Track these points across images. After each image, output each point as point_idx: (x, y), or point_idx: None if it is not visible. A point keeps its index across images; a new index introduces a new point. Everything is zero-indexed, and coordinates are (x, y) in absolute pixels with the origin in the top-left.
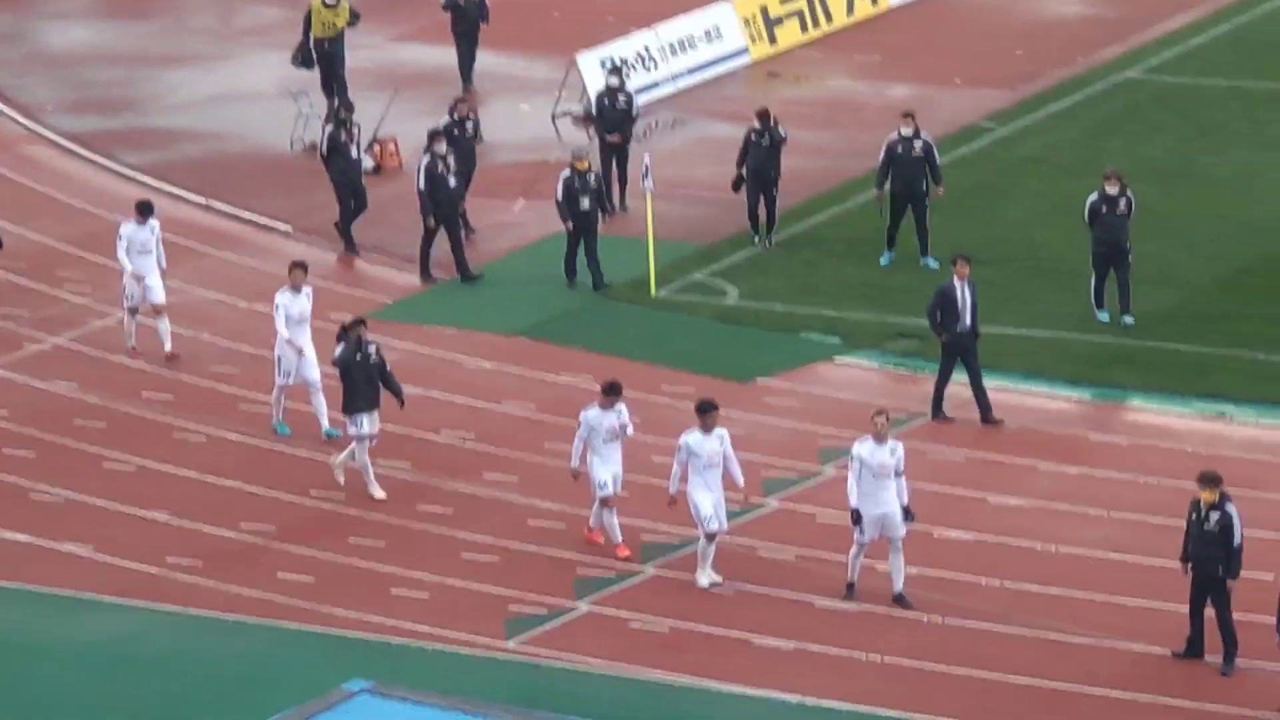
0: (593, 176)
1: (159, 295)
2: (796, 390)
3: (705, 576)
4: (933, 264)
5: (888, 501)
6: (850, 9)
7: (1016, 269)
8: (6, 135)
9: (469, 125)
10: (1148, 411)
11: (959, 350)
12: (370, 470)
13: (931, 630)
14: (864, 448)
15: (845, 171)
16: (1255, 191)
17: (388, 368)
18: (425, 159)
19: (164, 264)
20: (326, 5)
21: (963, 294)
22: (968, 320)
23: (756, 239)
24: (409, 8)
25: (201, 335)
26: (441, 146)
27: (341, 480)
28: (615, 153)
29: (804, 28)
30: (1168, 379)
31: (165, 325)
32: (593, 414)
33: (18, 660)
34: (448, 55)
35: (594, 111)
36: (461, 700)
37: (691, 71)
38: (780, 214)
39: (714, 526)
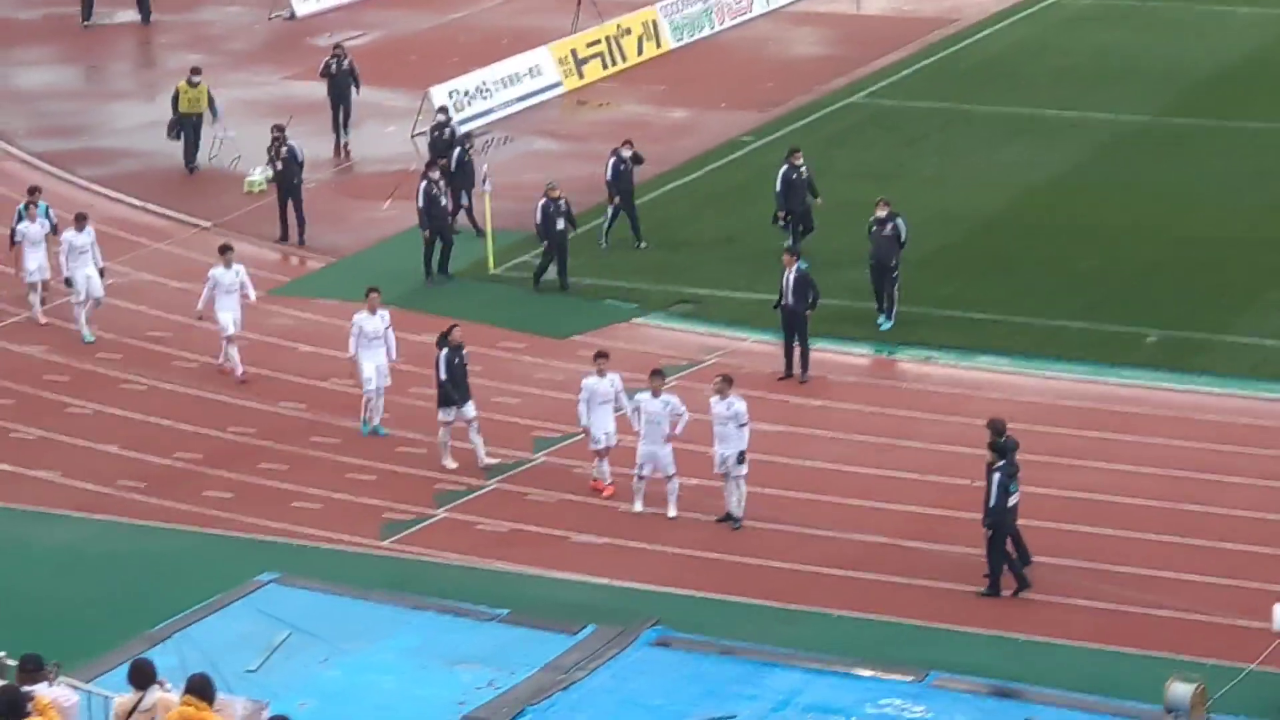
0: (563, 201)
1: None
2: (600, 344)
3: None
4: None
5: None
6: (640, 50)
7: (770, 248)
8: None
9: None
10: (872, 357)
11: (786, 320)
12: (447, 446)
13: (707, 526)
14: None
15: (637, 176)
16: (948, 188)
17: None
18: (423, 183)
19: (249, 294)
20: (190, 84)
21: (785, 278)
22: (790, 298)
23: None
24: (295, 52)
25: (141, 308)
26: (435, 173)
27: (452, 465)
28: (445, 174)
29: (605, 65)
30: (888, 330)
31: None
32: (591, 380)
33: (2, 559)
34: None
35: (427, 141)
36: (348, 587)
37: (518, 100)
38: (581, 213)
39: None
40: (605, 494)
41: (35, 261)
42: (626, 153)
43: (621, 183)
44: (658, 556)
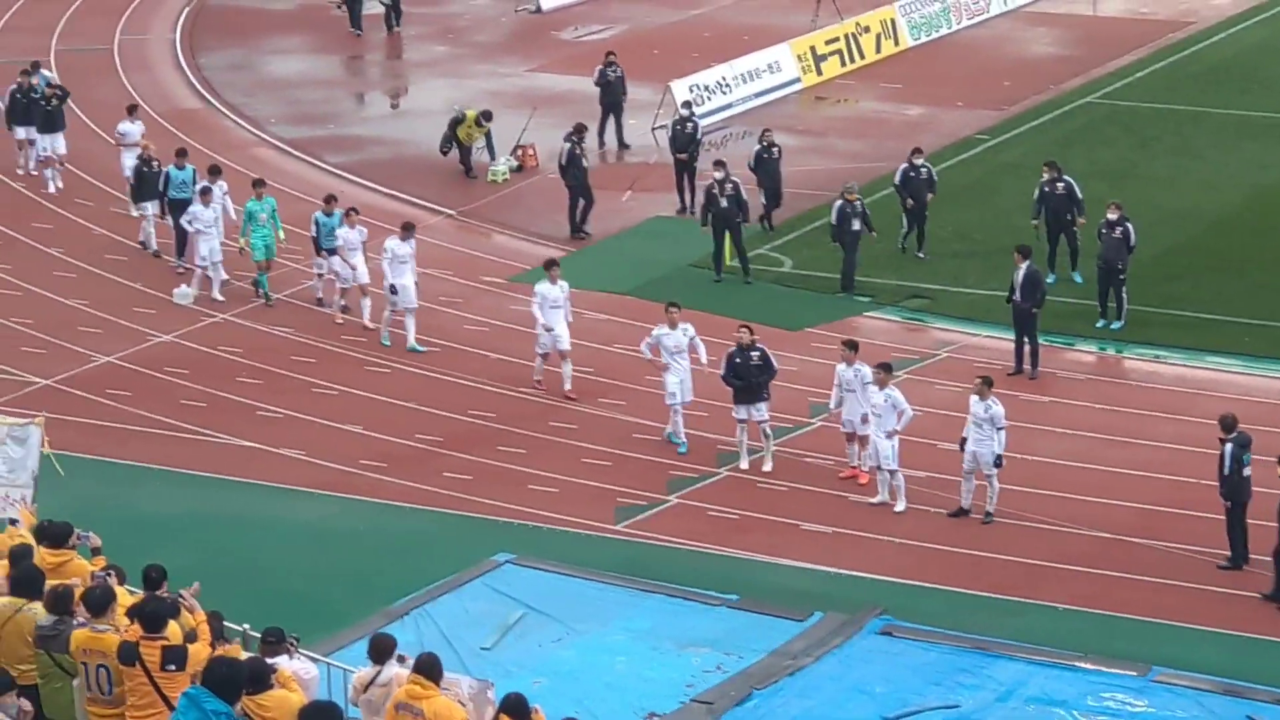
0: (860, 203)
1: (565, 343)
2: (834, 336)
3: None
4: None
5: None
6: (878, 48)
7: (1003, 245)
8: (240, 140)
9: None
10: (1099, 355)
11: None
12: (743, 446)
13: (935, 519)
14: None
15: (875, 171)
16: (1180, 189)
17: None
18: (567, 146)
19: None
20: (479, 125)
21: (1016, 275)
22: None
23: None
24: (540, 45)
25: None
26: (582, 136)
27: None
28: (684, 168)
29: (843, 62)
30: (1119, 331)
31: (568, 368)
32: (840, 369)
33: (249, 534)
34: (572, 82)
35: (668, 135)
36: (581, 569)
37: (757, 95)
38: (817, 206)
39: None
40: (863, 480)
41: (207, 246)
42: (919, 160)
43: (910, 189)
44: (885, 546)
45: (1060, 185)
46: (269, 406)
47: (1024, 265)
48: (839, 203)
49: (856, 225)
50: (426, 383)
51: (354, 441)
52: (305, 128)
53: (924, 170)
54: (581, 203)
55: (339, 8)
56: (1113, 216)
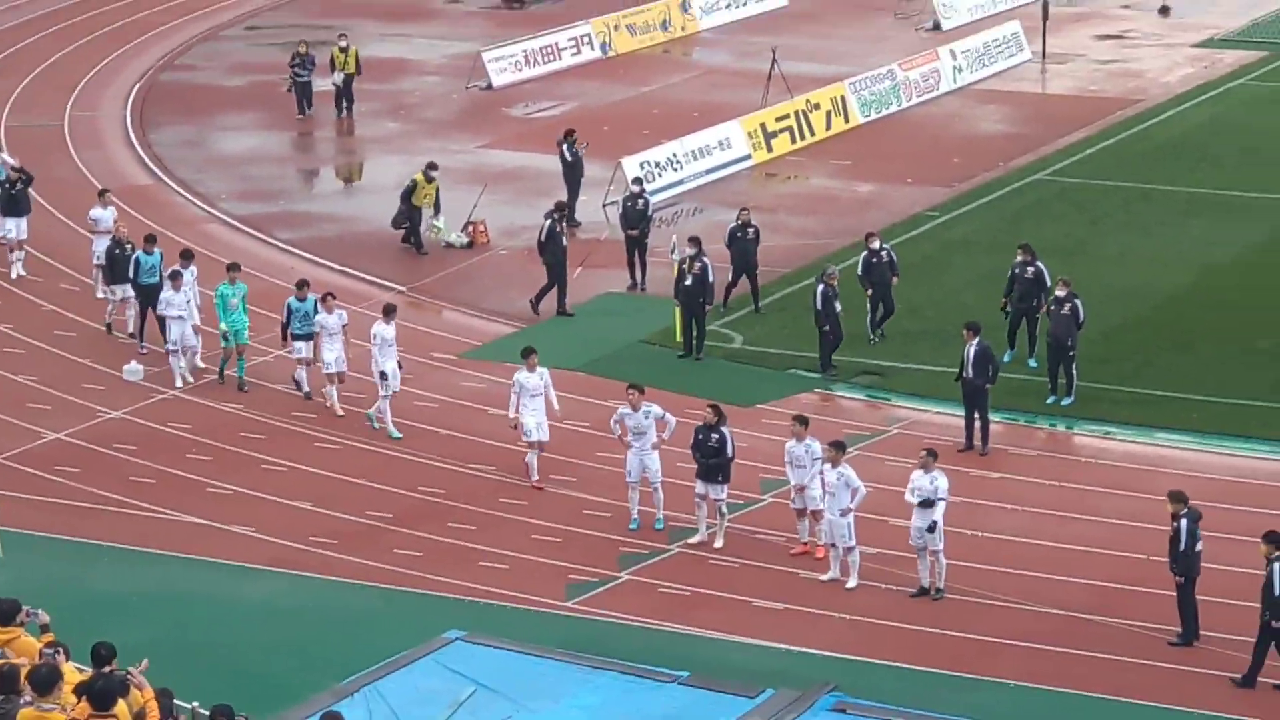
0: (699, 264)
1: (544, 433)
2: (786, 411)
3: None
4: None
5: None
6: (829, 125)
7: (953, 322)
8: (191, 216)
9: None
10: (1049, 431)
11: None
12: (701, 522)
13: (887, 594)
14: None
15: (824, 248)
16: (1129, 266)
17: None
18: (548, 223)
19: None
20: (427, 179)
21: (966, 351)
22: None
23: (1010, 352)
24: (490, 122)
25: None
26: (564, 215)
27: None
28: (635, 245)
29: (794, 139)
30: (1069, 407)
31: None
32: (790, 444)
33: (198, 611)
34: (523, 159)
35: (619, 211)
36: (532, 645)
37: (708, 172)
38: (769, 283)
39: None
40: (819, 555)
41: (178, 331)
42: (876, 244)
43: (873, 275)
44: (837, 623)
45: (1031, 269)
46: (219, 483)
47: (974, 341)
48: (820, 287)
49: (839, 307)
50: (377, 459)
51: (304, 518)
52: (256, 204)
53: (884, 254)
54: (550, 280)
55: (288, 91)
56: (1062, 293)
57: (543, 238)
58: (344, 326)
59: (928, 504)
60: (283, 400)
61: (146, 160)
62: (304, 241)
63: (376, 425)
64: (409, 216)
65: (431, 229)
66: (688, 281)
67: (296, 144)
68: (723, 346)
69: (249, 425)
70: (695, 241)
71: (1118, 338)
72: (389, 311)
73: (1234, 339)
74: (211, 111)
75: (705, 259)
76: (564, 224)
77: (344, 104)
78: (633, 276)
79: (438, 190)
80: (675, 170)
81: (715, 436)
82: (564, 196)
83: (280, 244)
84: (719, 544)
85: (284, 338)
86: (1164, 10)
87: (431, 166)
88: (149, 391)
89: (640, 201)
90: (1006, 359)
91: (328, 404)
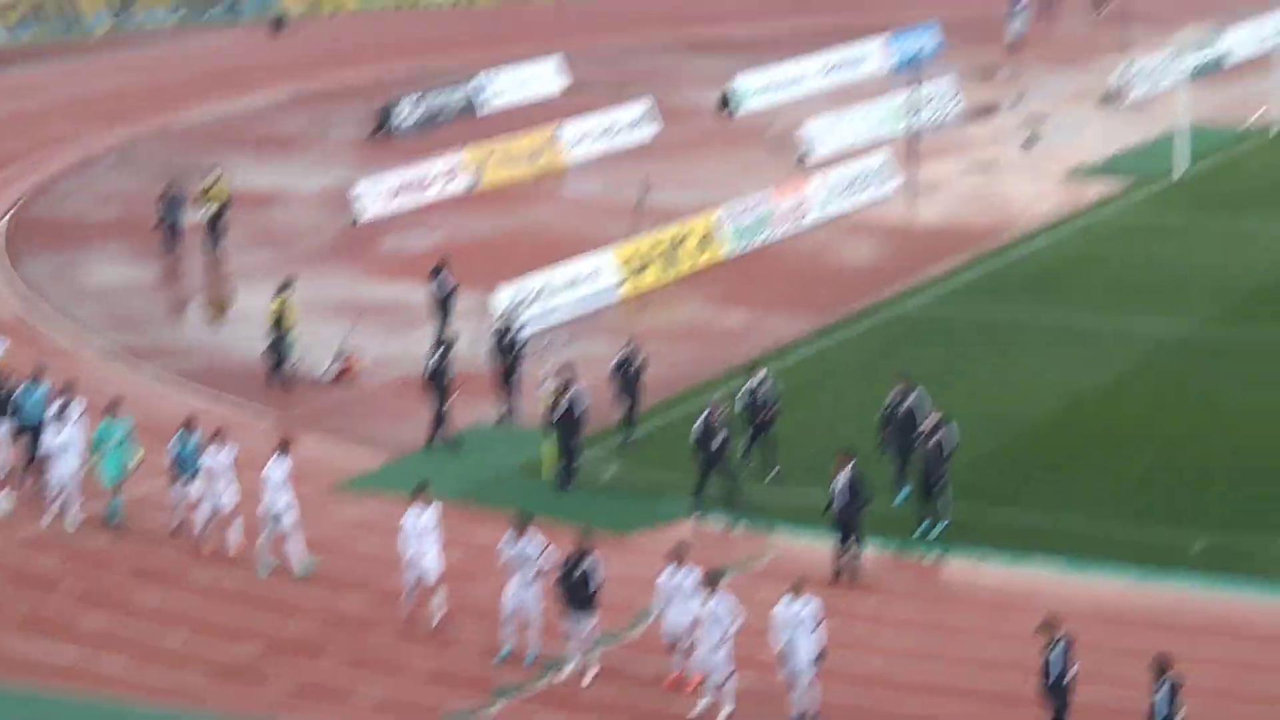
0: (724, 416)
1: (434, 575)
2: (660, 540)
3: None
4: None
5: None
6: (699, 254)
7: (825, 450)
8: (60, 348)
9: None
10: (920, 559)
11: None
12: (570, 655)
13: None
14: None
15: (697, 376)
16: (998, 395)
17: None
18: (435, 355)
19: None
20: (285, 299)
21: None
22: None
23: (908, 488)
24: (361, 253)
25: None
26: (451, 350)
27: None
28: (506, 375)
29: (665, 269)
30: (940, 535)
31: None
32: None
33: None
34: (394, 290)
35: (490, 342)
36: None
37: (579, 302)
38: (644, 411)
39: None
40: (687, 690)
41: (66, 468)
42: (758, 377)
43: (755, 408)
44: None
45: (909, 400)
46: (87, 619)
47: (847, 469)
48: (703, 415)
49: (719, 440)
50: (244, 597)
51: (171, 655)
52: (127, 334)
53: (766, 385)
54: (439, 409)
55: (155, 229)
56: (932, 422)
57: (431, 370)
58: (232, 462)
59: (799, 633)
60: (152, 538)
61: (15, 291)
62: (175, 371)
63: (269, 563)
64: (278, 347)
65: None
66: (559, 412)
67: (168, 274)
68: (595, 476)
69: (117, 561)
70: (566, 371)
71: (987, 466)
72: (283, 447)
73: (1102, 466)
74: (81, 243)
75: (576, 388)
76: (449, 356)
77: (215, 236)
78: (504, 406)
79: (288, 305)
80: (546, 301)
81: (585, 567)
82: (445, 327)
83: (152, 374)
84: (589, 677)
85: (171, 474)
86: (1030, 141)
87: (286, 285)
88: (15, 526)
89: (511, 332)
90: (905, 493)
91: (209, 543)
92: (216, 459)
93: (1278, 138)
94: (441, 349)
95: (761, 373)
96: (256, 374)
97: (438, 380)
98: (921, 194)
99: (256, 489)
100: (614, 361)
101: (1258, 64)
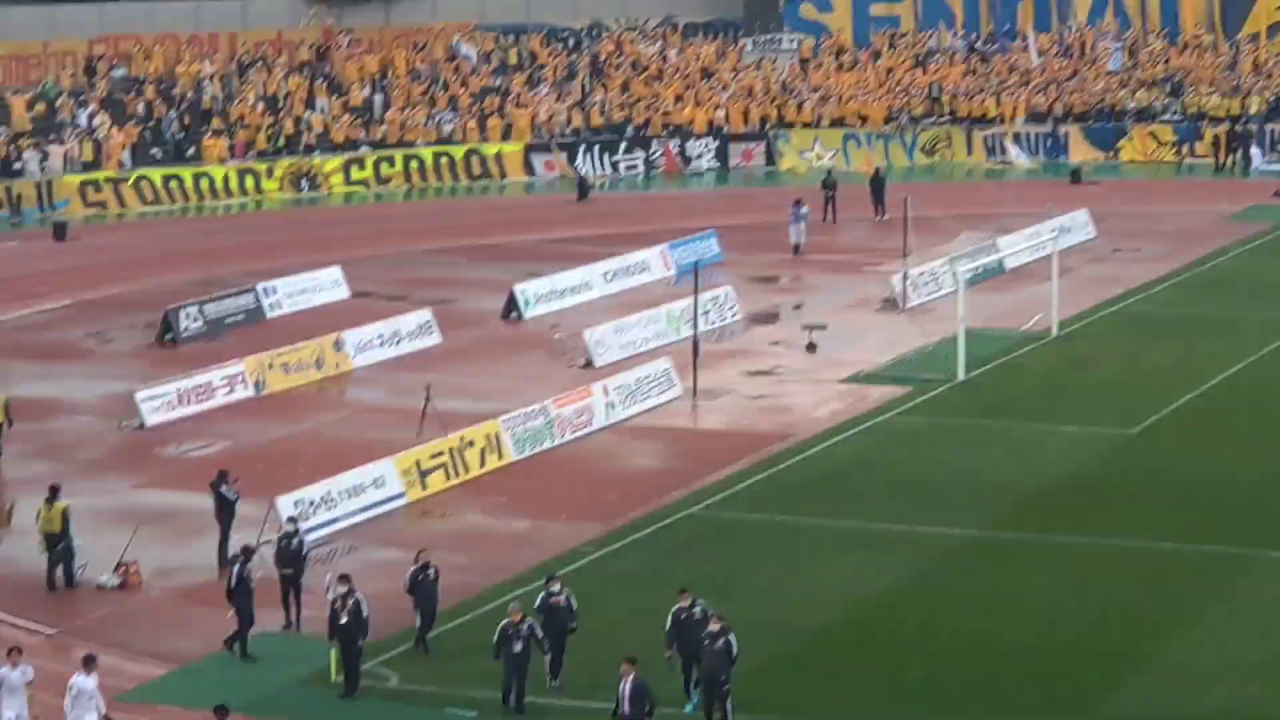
0: (526, 625)
1: None
2: None
3: None
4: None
5: None
6: (483, 462)
7: (610, 657)
8: None
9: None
10: None
11: None
12: None
13: None
14: None
15: (483, 584)
16: (781, 600)
17: None
18: (235, 567)
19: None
20: (52, 507)
21: (623, 687)
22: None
23: (691, 706)
24: (144, 461)
25: None
26: (251, 559)
27: None
28: (290, 584)
29: (448, 476)
30: None
31: None
32: None
33: None
34: (177, 498)
35: (273, 550)
36: None
37: (362, 510)
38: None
39: None
40: None
41: None
42: (555, 589)
43: (553, 620)
44: None
45: (695, 611)
46: None
47: (630, 676)
48: (504, 622)
49: (519, 648)
50: None
51: None
52: None
53: (563, 597)
54: (243, 623)
55: None
56: (715, 629)
57: (233, 583)
58: (27, 683)
59: None
60: None
61: None
62: None
63: None
64: (55, 557)
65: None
66: (343, 619)
67: None
68: (378, 686)
69: None
70: (346, 579)
71: (770, 673)
72: (88, 662)
73: (882, 671)
74: None
75: (358, 596)
76: (249, 567)
77: None
78: (288, 616)
79: (65, 512)
80: (330, 509)
81: None
82: (228, 536)
83: None
84: None
85: None
86: (811, 347)
87: (54, 491)
88: None
89: (295, 540)
90: (694, 703)
91: None
92: (9, 676)
93: (1055, 341)
94: (242, 558)
95: (557, 584)
96: (35, 585)
97: (239, 589)
98: (704, 400)
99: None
100: (409, 572)
101: (1034, 270)
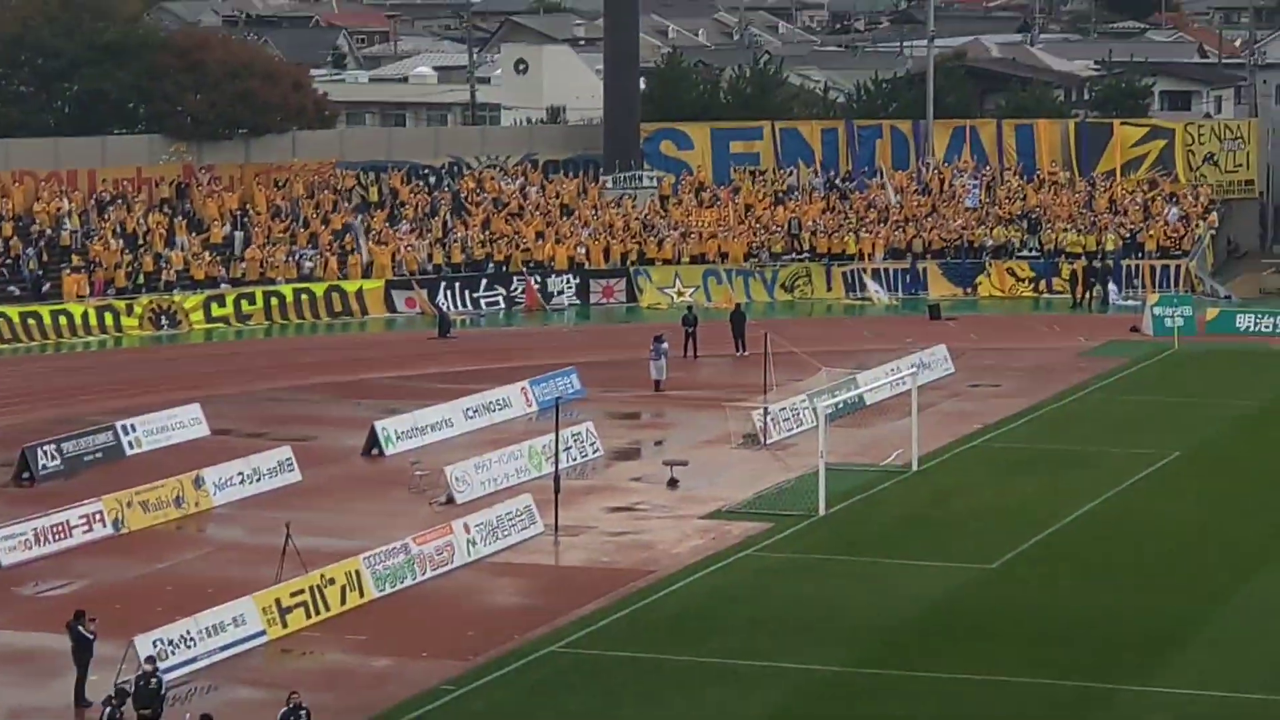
0: None
1: None
2: None
3: None
4: None
5: None
6: (344, 599)
7: None
8: None
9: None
10: None
11: None
12: None
13: None
14: None
15: (345, 715)
16: None
17: None
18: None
19: None
20: None
21: None
22: None
23: None
24: (2, 601)
25: None
26: (125, 702)
27: None
28: None
29: (309, 614)
30: None
31: None
32: None
33: None
34: (34, 639)
35: (130, 690)
36: None
37: (223, 649)
38: None
39: None
40: None
41: None
42: None
43: None
44: None
45: None
46: None
47: None
48: None
49: None
50: None
51: None
52: None
53: None
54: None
55: None
56: None
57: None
58: None
59: None
60: None
61: None
62: None
63: None
64: None
65: None
66: None
67: None
68: None
69: None
70: (207, 719)
71: None
72: None
73: None
74: None
75: None
76: (121, 711)
77: None
78: None
79: None
80: (189, 648)
81: None
82: (84, 677)
83: None
84: None
85: None
86: (673, 483)
87: None
88: None
89: (153, 680)
90: None
91: None
92: None
93: (915, 476)
94: (115, 701)
95: None
96: None
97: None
98: (565, 536)
99: None
100: (280, 715)
101: (893, 405)
